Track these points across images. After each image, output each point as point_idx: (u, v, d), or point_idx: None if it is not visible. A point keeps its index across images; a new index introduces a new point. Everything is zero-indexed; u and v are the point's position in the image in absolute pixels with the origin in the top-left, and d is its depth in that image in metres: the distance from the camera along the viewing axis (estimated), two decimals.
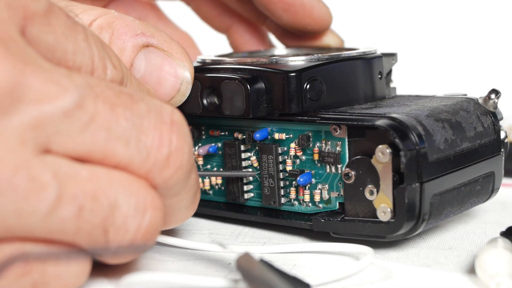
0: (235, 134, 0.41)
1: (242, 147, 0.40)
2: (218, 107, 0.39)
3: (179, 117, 0.32)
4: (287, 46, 0.49)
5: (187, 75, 0.38)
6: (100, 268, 0.35)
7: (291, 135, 0.39)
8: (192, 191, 0.34)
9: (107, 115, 0.30)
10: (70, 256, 0.30)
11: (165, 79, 0.37)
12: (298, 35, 0.47)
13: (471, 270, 0.34)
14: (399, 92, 0.44)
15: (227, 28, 0.51)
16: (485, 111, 0.39)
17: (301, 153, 0.39)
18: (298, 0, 0.45)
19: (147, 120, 0.31)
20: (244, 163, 0.40)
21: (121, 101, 0.30)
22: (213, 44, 0.55)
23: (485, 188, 0.39)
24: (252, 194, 0.41)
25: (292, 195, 0.39)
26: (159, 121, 0.31)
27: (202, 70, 0.41)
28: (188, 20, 0.55)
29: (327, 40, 0.47)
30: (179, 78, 0.38)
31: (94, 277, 0.34)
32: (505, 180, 0.44)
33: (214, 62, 0.42)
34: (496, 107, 0.40)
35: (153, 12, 0.52)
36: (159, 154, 0.31)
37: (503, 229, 0.35)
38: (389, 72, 0.44)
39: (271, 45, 0.51)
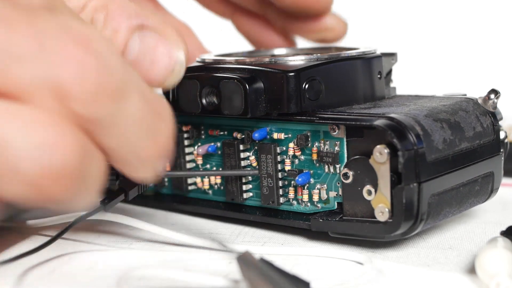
0: (234, 134, 0.41)
1: (241, 147, 0.40)
2: (217, 107, 0.39)
3: (94, 35, 0.29)
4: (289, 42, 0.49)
5: (181, 56, 0.37)
6: (102, 265, 0.35)
7: (289, 135, 0.39)
8: (136, 122, 0.30)
9: (1, 33, 0.27)
10: None
11: (159, 59, 0.36)
12: (300, 18, 0.47)
13: (471, 270, 0.34)
14: (399, 92, 0.44)
15: (231, 14, 0.50)
16: (484, 111, 0.39)
17: (300, 152, 0.39)
18: None
19: (52, 37, 0.28)
20: (243, 163, 0.40)
21: (21, 18, 0.28)
22: (213, 40, 0.55)
23: (484, 189, 0.39)
24: (251, 194, 0.41)
25: (291, 194, 0.39)
26: (67, 37, 0.28)
27: (201, 70, 0.41)
28: (187, 20, 0.55)
29: (330, 22, 0.47)
30: (173, 59, 0.37)
31: (96, 274, 0.35)
32: (505, 180, 0.44)
33: (214, 61, 0.42)
34: (495, 107, 0.40)
35: (150, 2, 0.52)
36: (71, 73, 0.27)
37: (503, 228, 0.35)
38: (389, 72, 0.44)
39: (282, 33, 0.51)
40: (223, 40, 0.52)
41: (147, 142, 0.31)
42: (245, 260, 0.30)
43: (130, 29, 0.36)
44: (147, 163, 0.32)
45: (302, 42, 0.52)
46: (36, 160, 0.27)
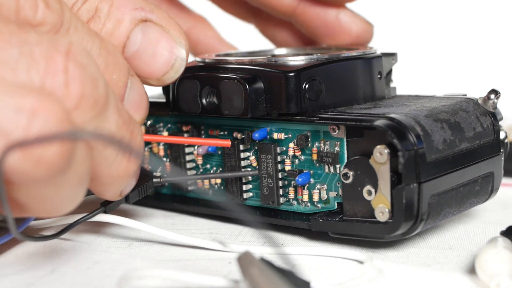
0: (234, 134, 0.41)
1: (241, 147, 0.40)
2: (217, 107, 0.39)
3: (78, 48, 0.30)
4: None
5: (183, 52, 0.37)
6: (102, 265, 0.35)
7: (290, 135, 0.39)
8: (115, 136, 0.32)
9: None
10: None
11: (160, 53, 0.37)
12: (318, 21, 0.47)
13: (471, 270, 0.34)
14: (399, 92, 0.44)
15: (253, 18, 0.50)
16: (484, 112, 0.39)
17: (300, 153, 0.39)
18: None
19: (38, 48, 0.29)
20: (243, 163, 0.40)
21: (7, 30, 0.29)
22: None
23: (484, 189, 0.39)
24: (251, 194, 0.41)
25: (291, 195, 0.39)
26: (52, 50, 0.30)
27: (201, 69, 0.41)
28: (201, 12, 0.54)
29: (344, 20, 0.46)
30: (174, 54, 0.37)
31: (95, 274, 0.35)
32: (505, 180, 0.44)
33: (214, 61, 0.42)
34: (495, 107, 0.40)
35: None
36: (56, 82, 0.29)
37: (503, 228, 0.35)
38: (389, 72, 0.44)
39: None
40: (231, 39, 0.52)
41: (120, 160, 0.32)
42: (245, 260, 0.30)
43: (133, 21, 0.36)
44: (116, 182, 0.33)
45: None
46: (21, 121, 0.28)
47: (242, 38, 0.53)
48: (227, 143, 0.39)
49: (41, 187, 0.29)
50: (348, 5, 0.47)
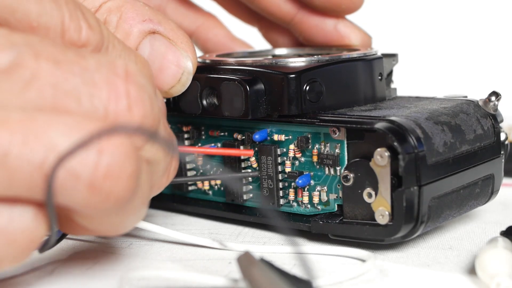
0: (235, 135, 0.41)
1: (242, 148, 0.40)
2: (217, 108, 0.39)
3: (134, 68, 0.31)
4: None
5: (189, 66, 0.38)
6: (102, 265, 0.35)
7: (290, 137, 0.39)
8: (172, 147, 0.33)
9: (51, 71, 0.29)
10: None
11: (167, 67, 0.37)
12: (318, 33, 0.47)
13: (471, 270, 0.34)
14: (399, 93, 0.44)
15: (256, 22, 0.51)
16: (485, 114, 0.39)
17: (300, 154, 0.39)
18: None
19: (98, 74, 0.30)
20: (243, 164, 0.40)
21: (67, 58, 0.30)
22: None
23: (484, 191, 0.39)
24: (251, 195, 0.41)
25: (291, 196, 0.39)
26: (112, 74, 0.30)
27: (202, 70, 0.41)
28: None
29: (343, 30, 0.46)
30: (181, 68, 0.37)
31: (95, 274, 0.35)
32: (506, 180, 0.44)
33: (214, 62, 0.42)
34: (496, 110, 0.40)
35: None
36: (119, 106, 0.30)
37: (503, 228, 0.35)
38: (390, 73, 0.44)
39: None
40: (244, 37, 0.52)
41: (166, 171, 0.33)
42: (245, 260, 0.30)
43: (141, 33, 0.36)
44: (157, 192, 0.34)
45: None
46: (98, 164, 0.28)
47: (256, 37, 0.53)
48: (249, 152, 0.39)
49: (109, 216, 0.30)
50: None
